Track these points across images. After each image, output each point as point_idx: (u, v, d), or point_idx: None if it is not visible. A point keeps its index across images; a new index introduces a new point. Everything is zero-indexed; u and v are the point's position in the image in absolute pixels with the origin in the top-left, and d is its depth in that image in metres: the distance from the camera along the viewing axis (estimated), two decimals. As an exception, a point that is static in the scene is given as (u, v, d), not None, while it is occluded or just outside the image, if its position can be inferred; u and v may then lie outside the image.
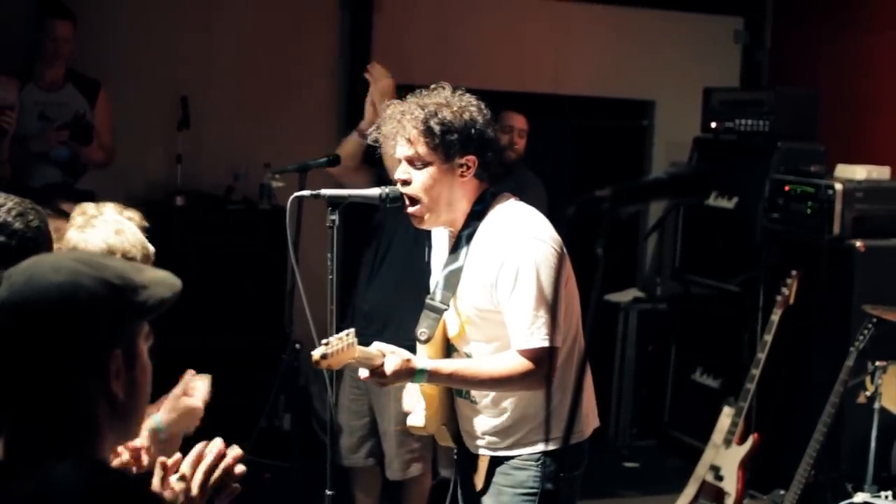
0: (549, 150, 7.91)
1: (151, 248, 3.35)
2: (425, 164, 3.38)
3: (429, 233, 3.71)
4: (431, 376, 3.32)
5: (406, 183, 3.42)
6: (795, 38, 7.93)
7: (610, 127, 8.28)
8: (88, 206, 3.63)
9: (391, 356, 3.25)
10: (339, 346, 3.11)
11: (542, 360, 3.27)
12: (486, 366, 3.35)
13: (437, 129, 3.33)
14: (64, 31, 6.05)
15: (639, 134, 8.29)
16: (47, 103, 6.06)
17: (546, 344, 3.27)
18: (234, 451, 2.29)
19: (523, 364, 3.28)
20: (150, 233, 3.72)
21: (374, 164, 5.12)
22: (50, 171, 6.00)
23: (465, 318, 3.44)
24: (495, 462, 3.51)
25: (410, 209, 3.44)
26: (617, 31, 7.94)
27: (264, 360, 5.79)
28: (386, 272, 5.15)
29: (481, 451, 3.55)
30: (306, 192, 3.58)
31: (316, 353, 3.08)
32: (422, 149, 3.36)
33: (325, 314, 3.42)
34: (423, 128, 3.34)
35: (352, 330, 3.17)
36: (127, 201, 3.80)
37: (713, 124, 7.15)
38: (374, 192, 3.53)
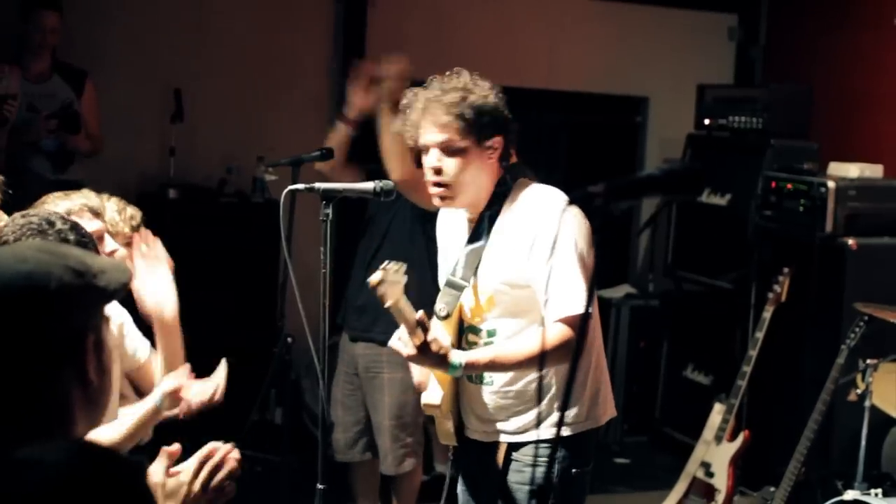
0: (542, 146, 7.92)
1: (103, 208, 3.41)
2: (459, 150, 3.38)
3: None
4: (467, 368, 3.30)
5: (438, 171, 3.41)
6: (789, 36, 7.94)
7: (603, 123, 8.28)
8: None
9: (435, 342, 3.22)
10: (394, 277, 3.10)
11: (583, 327, 3.21)
12: (522, 346, 3.33)
13: (469, 112, 3.34)
14: (51, 22, 6.05)
15: (632, 130, 8.30)
16: (35, 94, 6.07)
17: (589, 310, 3.24)
18: (236, 453, 2.31)
19: (563, 333, 3.25)
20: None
21: (363, 161, 5.11)
22: (39, 161, 6.00)
23: (486, 297, 3.43)
24: (510, 449, 3.50)
25: (435, 191, 3.44)
26: (611, 26, 7.94)
27: (256, 353, 5.78)
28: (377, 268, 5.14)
29: (500, 439, 3.52)
30: (300, 186, 3.58)
31: (374, 277, 3.09)
32: (455, 134, 3.36)
33: (318, 308, 3.42)
34: (456, 111, 3.35)
35: (404, 265, 3.15)
36: (119, 194, 3.83)
37: (707, 121, 7.15)
38: (368, 185, 3.53)
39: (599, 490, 6.61)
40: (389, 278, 3.09)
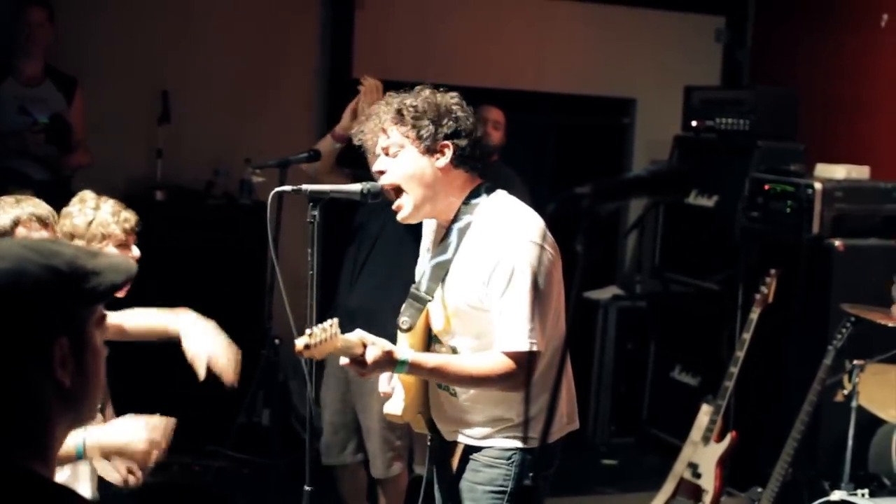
0: (529, 147, 7.93)
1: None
2: (398, 150, 3.39)
3: (415, 232, 3.70)
4: (412, 368, 3.30)
5: (382, 172, 3.43)
6: (776, 38, 7.96)
7: (591, 124, 8.29)
8: (87, 194, 3.74)
9: (372, 347, 3.23)
10: (322, 336, 3.09)
11: (526, 363, 3.27)
12: (468, 363, 3.35)
13: (408, 113, 3.36)
14: (36, 17, 6.04)
15: (619, 132, 8.31)
16: (26, 98, 6.06)
17: (533, 349, 3.27)
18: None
19: (506, 365, 3.28)
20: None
21: (353, 166, 5.11)
22: (28, 163, 5.99)
23: (451, 311, 3.43)
24: (469, 451, 3.50)
25: (395, 203, 3.45)
26: (598, 28, 7.95)
27: (243, 355, 5.76)
28: (370, 272, 5.13)
29: (459, 438, 3.53)
30: (287, 188, 3.57)
31: (299, 343, 3.06)
32: (394, 134, 3.38)
33: (305, 310, 3.41)
34: (394, 114, 3.38)
35: (335, 320, 3.14)
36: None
37: (694, 123, 7.15)
38: (356, 187, 3.52)
39: (587, 491, 6.63)
40: (316, 340, 3.07)
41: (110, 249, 3.63)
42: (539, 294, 3.29)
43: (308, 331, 3.08)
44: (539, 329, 3.28)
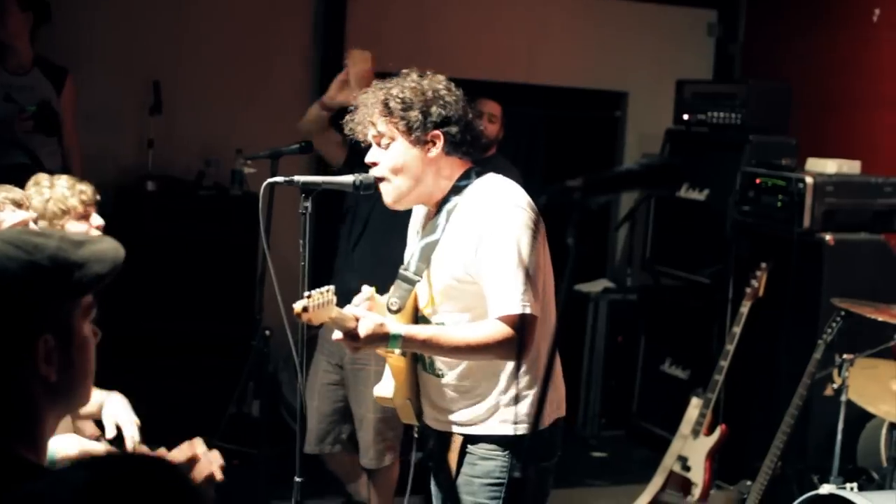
0: (521, 140, 7.92)
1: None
2: (389, 141, 3.40)
3: (406, 211, 3.70)
4: (406, 341, 3.29)
5: (374, 164, 3.45)
6: (768, 32, 7.96)
7: (582, 117, 8.30)
8: (41, 176, 3.76)
9: (364, 319, 3.23)
10: (320, 300, 3.09)
11: (522, 327, 3.24)
12: (463, 332, 3.33)
13: (395, 105, 3.37)
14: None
15: (611, 125, 8.31)
16: (13, 86, 6.03)
17: (528, 311, 3.24)
18: (218, 457, 2.27)
19: (501, 330, 3.25)
20: (118, 217, 3.78)
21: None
22: (17, 152, 5.97)
23: (437, 289, 3.43)
24: (465, 444, 3.50)
25: (381, 190, 3.46)
26: (591, 21, 7.95)
27: (234, 346, 5.78)
28: (363, 252, 5.14)
29: (453, 430, 3.53)
30: (279, 179, 3.57)
31: (297, 306, 3.07)
32: (382, 126, 3.39)
33: (296, 301, 3.41)
34: (381, 106, 3.38)
35: (332, 287, 3.15)
36: (97, 186, 3.83)
37: (685, 116, 7.16)
38: (348, 179, 3.52)
39: (577, 483, 6.64)
40: (314, 303, 3.08)
41: (71, 224, 3.65)
42: (528, 258, 3.28)
43: (306, 293, 3.08)
44: (531, 292, 3.26)
